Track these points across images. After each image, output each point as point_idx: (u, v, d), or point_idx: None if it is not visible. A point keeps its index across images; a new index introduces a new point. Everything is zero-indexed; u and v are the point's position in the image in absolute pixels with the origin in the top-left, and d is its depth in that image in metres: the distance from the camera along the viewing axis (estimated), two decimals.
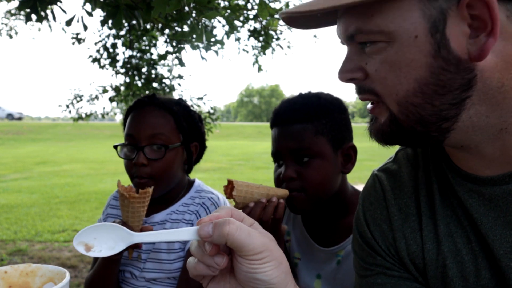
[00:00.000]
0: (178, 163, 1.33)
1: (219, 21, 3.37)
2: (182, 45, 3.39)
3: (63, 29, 4.81)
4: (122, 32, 4.66)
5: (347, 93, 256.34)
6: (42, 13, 1.98)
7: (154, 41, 4.96)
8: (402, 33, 0.58)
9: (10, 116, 39.71)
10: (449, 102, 0.60)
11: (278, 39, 4.97)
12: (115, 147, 1.35)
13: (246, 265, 0.58)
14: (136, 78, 4.80)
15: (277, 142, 1.13)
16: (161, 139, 1.27)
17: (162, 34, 4.09)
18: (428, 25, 0.57)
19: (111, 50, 4.82)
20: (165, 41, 4.48)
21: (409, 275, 0.75)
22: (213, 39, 2.18)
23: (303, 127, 1.09)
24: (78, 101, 5.33)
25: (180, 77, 5.19)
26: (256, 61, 5.13)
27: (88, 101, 5.33)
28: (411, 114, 0.62)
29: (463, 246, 0.68)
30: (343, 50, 0.69)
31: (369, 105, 0.68)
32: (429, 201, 0.73)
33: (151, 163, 1.25)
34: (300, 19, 0.66)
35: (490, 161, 0.65)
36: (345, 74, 0.66)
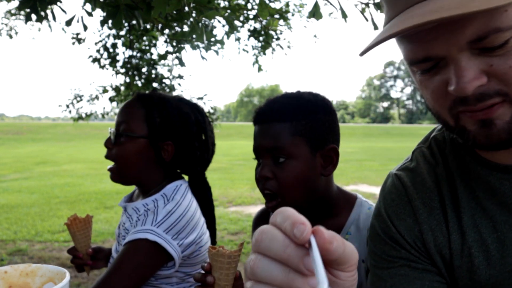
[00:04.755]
0: (141, 156, 1.31)
1: (219, 21, 3.37)
2: (182, 45, 3.39)
3: (63, 29, 4.81)
4: (122, 32, 4.67)
5: (347, 94, 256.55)
6: (42, 13, 1.98)
7: (154, 41, 4.96)
8: None
9: None
10: None
11: (278, 39, 4.97)
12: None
13: (347, 279, 0.43)
14: (136, 78, 4.80)
15: (256, 141, 1.12)
16: (124, 127, 1.31)
17: (162, 34, 4.09)
18: None
19: (111, 50, 4.83)
20: (165, 41, 4.48)
21: (432, 267, 0.78)
22: (213, 39, 2.19)
23: (281, 126, 1.07)
24: (78, 101, 5.33)
25: (180, 77, 5.20)
26: (256, 61, 5.13)
27: (88, 101, 5.33)
28: None
29: (488, 236, 0.71)
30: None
31: (485, 110, 0.62)
32: (452, 195, 0.76)
33: (114, 148, 1.32)
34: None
35: None
36: (473, 83, 0.59)
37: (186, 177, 1.44)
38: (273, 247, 0.40)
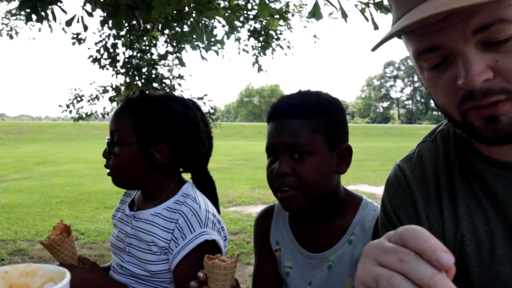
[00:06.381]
0: (136, 163, 1.30)
1: (219, 21, 3.37)
2: (182, 45, 3.39)
3: (63, 29, 4.83)
4: (123, 32, 4.67)
5: (347, 94, 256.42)
6: (42, 13, 1.99)
7: (154, 41, 4.97)
8: None
9: None
10: None
11: (278, 39, 4.98)
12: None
13: None
14: (137, 78, 4.80)
15: (273, 137, 1.10)
16: (116, 136, 1.30)
17: (162, 34, 4.10)
18: None
19: (111, 50, 4.83)
20: (165, 41, 4.49)
21: None
22: (213, 39, 2.19)
23: (301, 123, 1.06)
24: (78, 101, 5.33)
25: (180, 77, 5.19)
26: (256, 61, 5.14)
27: (89, 101, 5.33)
28: None
29: (481, 226, 0.76)
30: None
31: (491, 107, 0.64)
32: (449, 186, 0.81)
33: (111, 158, 1.32)
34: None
35: None
36: (481, 76, 0.61)
37: (186, 175, 1.44)
38: (418, 273, 0.41)
